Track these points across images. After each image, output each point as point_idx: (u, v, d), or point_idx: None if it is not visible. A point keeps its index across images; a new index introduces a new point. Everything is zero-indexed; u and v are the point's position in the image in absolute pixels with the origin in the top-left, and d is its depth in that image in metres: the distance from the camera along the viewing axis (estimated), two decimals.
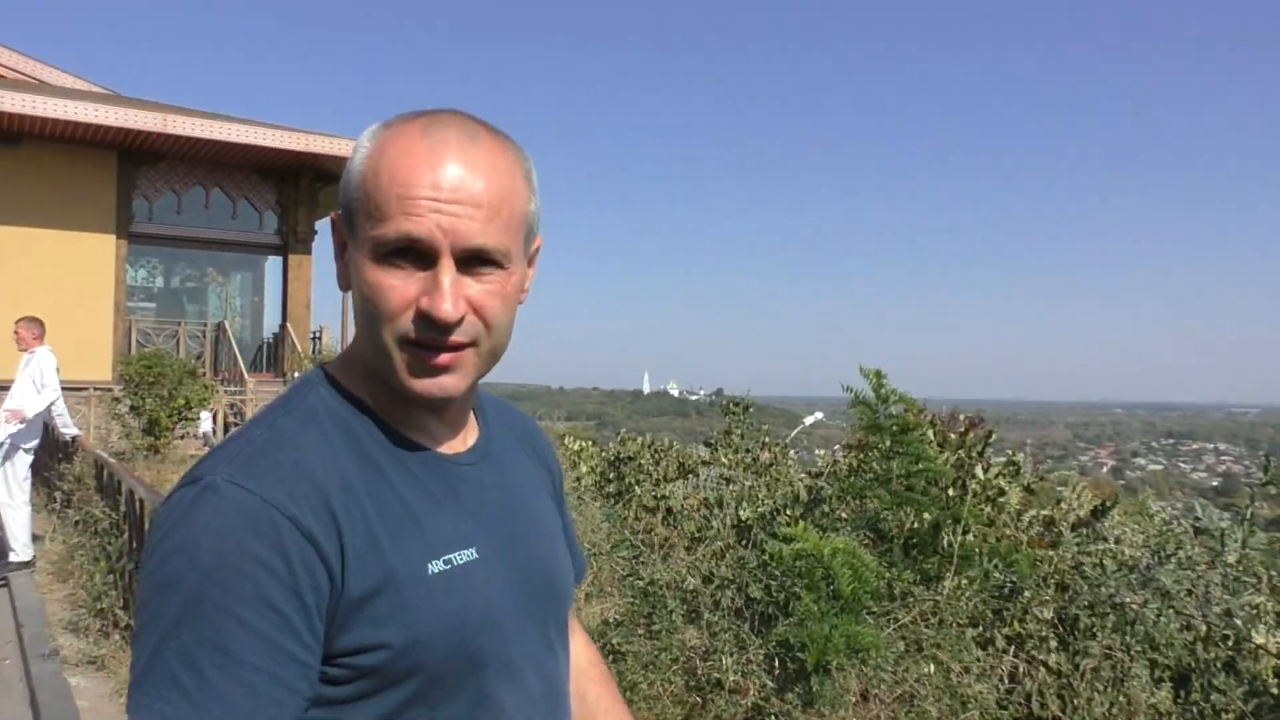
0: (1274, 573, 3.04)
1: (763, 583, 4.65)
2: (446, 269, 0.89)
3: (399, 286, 0.89)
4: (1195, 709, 3.60)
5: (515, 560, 1.00)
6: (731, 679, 4.20)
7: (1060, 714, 3.81)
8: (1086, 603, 4.10)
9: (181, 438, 13.03)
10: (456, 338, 0.91)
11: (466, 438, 1.04)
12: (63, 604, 6.20)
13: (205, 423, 14.60)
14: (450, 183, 0.88)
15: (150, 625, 0.82)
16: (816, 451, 9.69)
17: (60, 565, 6.98)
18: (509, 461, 1.09)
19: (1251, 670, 3.30)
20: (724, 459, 7.51)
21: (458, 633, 0.91)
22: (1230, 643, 3.78)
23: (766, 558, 4.79)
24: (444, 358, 0.91)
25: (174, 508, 0.86)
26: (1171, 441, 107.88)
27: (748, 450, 7.49)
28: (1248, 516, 3.04)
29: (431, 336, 0.90)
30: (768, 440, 7.79)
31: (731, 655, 4.33)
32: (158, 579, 0.83)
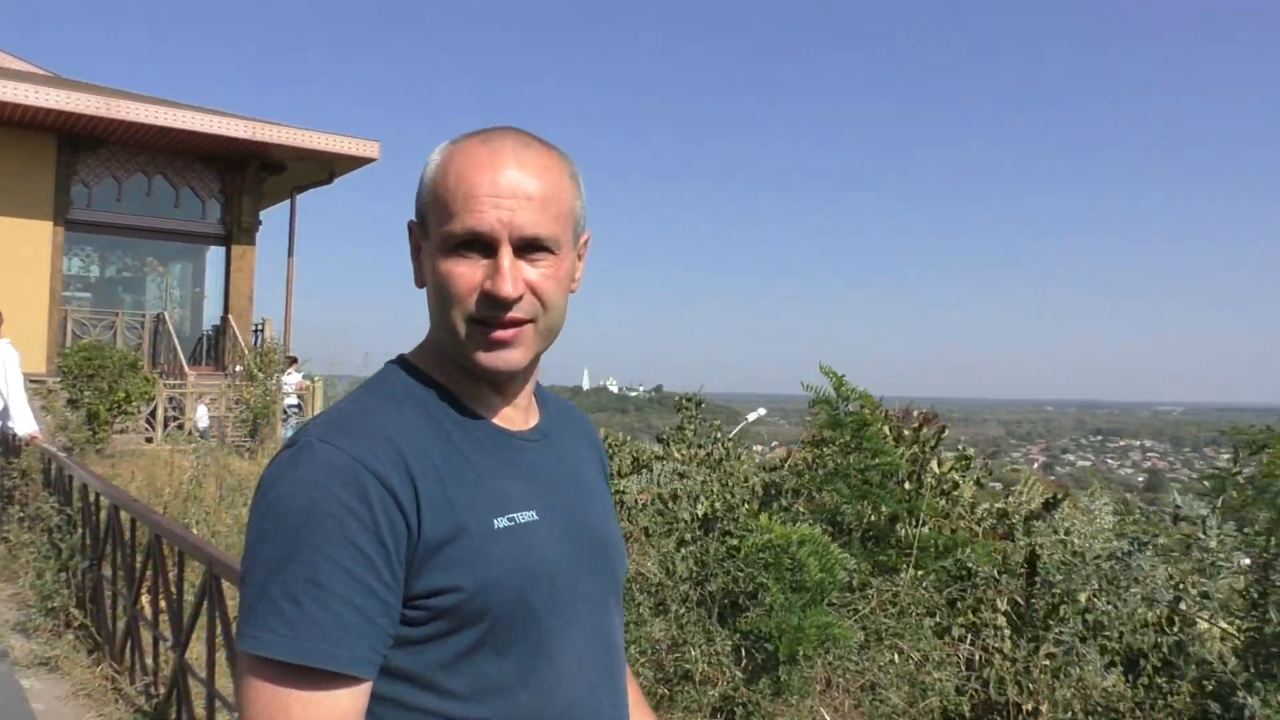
0: (1245, 556, 3.20)
1: (729, 574, 4.72)
2: (506, 255, 1.02)
3: (466, 273, 1.03)
4: (1144, 690, 3.77)
5: (571, 526, 1.10)
6: (701, 669, 4.27)
7: (1018, 699, 3.96)
8: (1048, 591, 4.25)
9: (121, 432, 12.71)
10: (516, 314, 1.03)
11: (529, 418, 1.16)
12: (8, 604, 6.02)
13: (203, 418, 14.24)
14: (507, 182, 1.02)
15: (258, 565, 0.94)
16: (755, 448, 9.82)
17: (4, 565, 6.79)
18: (566, 444, 1.21)
19: (1199, 653, 3.48)
20: (677, 454, 7.58)
21: (520, 583, 1.01)
22: (1175, 627, 3.97)
23: (728, 549, 4.87)
24: (506, 333, 1.04)
25: (276, 466, 0.99)
26: (1100, 438, 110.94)
27: (700, 445, 7.56)
28: (1218, 505, 3.22)
29: (495, 314, 1.03)
30: (719, 435, 7.87)
31: (699, 647, 4.40)
32: (264, 525, 0.96)
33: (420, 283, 1.10)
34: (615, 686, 1.13)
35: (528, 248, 1.03)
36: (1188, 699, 3.29)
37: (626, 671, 1.20)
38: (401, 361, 1.13)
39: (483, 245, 1.02)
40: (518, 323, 1.04)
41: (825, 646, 4.28)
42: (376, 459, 0.96)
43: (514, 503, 1.04)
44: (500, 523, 1.01)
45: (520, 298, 1.02)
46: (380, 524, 0.94)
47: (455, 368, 1.09)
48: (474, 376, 1.08)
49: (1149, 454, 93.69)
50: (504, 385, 1.11)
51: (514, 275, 1.02)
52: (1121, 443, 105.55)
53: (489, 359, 1.04)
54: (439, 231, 1.04)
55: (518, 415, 1.14)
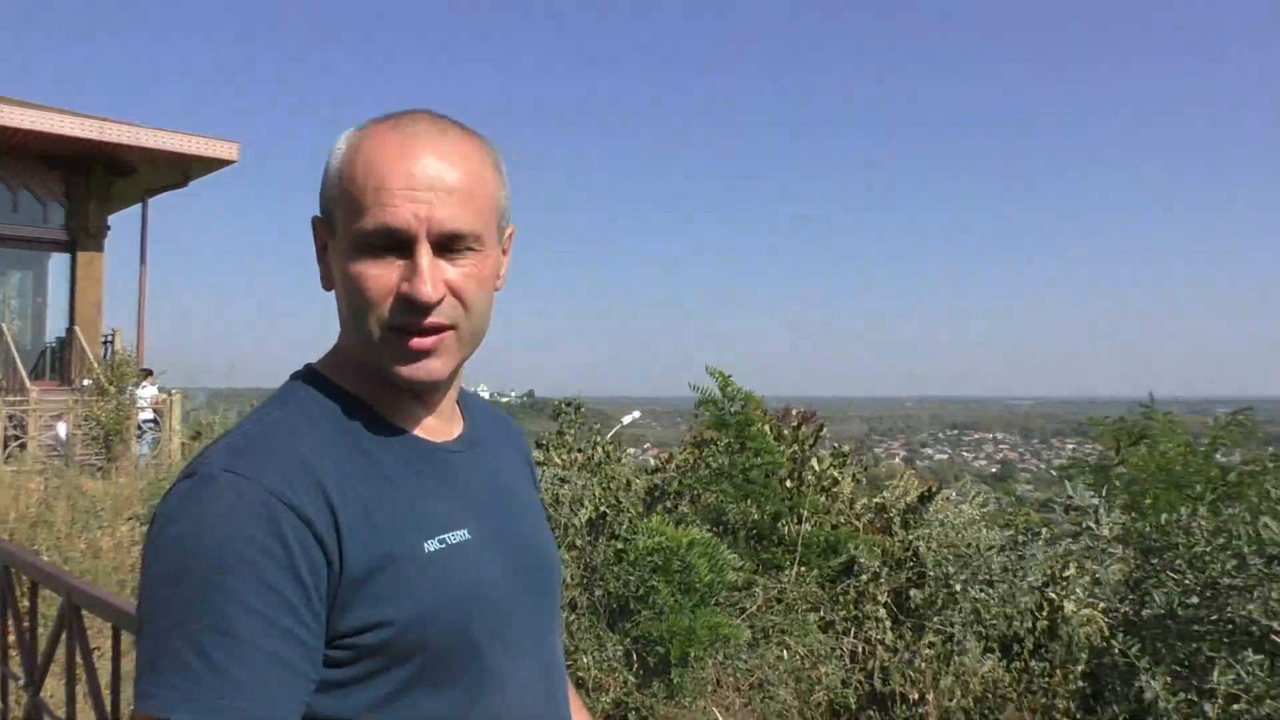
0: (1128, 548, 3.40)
1: (619, 578, 4.71)
2: (424, 253, 0.92)
3: (380, 275, 0.93)
4: (1019, 674, 3.95)
5: (506, 542, 1.03)
6: (593, 676, 4.24)
7: (903, 689, 4.09)
8: (941, 584, 4.40)
9: None
10: (436, 319, 0.94)
11: (452, 428, 1.07)
12: None
13: (62, 429, 13.30)
14: (423, 172, 0.92)
15: (157, 615, 0.83)
16: (629, 450, 9.89)
17: None
18: (493, 452, 1.12)
19: (1071, 634, 3.67)
20: (558, 459, 7.54)
21: (457, 609, 0.93)
22: (1045, 612, 4.18)
23: (616, 553, 4.86)
24: (426, 340, 0.94)
25: (174, 499, 0.88)
26: (955, 432, 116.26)
27: (580, 450, 7.55)
28: (1103, 494, 3.40)
29: (413, 320, 0.93)
30: (599, 439, 7.88)
31: (590, 654, 4.37)
32: (163, 568, 0.84)
33: (328, 285, 1.00)
34: (559, 710, 1.07)
35: (448, 245, 0.94)
36: (1062, 680, 3.47)
37: (568, 688, 1.14)
38: (309, 372, 1.02)
39: (398, 243, 0.92)
40: (438, 329, 0.94)
41: (716, 646, 4.32)
42: (290, 488, 0.86)
43: (444, 522, 0.95)
44: (431, 546, 0.93)
45: (441, 300, 0.93)
46: (298, 560, 0.84)
47: (370, 377, 0.99)
48: (392, 386, 0.98)
49: (1001, 446, 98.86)
50: (426, 394, 1.02)
51: (433, 276, 0.92)
52: (976, 436, 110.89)
53: (408, 370, 0.95)
54: (348, 229, 0.93)
55: (441, 425, 1.05)
